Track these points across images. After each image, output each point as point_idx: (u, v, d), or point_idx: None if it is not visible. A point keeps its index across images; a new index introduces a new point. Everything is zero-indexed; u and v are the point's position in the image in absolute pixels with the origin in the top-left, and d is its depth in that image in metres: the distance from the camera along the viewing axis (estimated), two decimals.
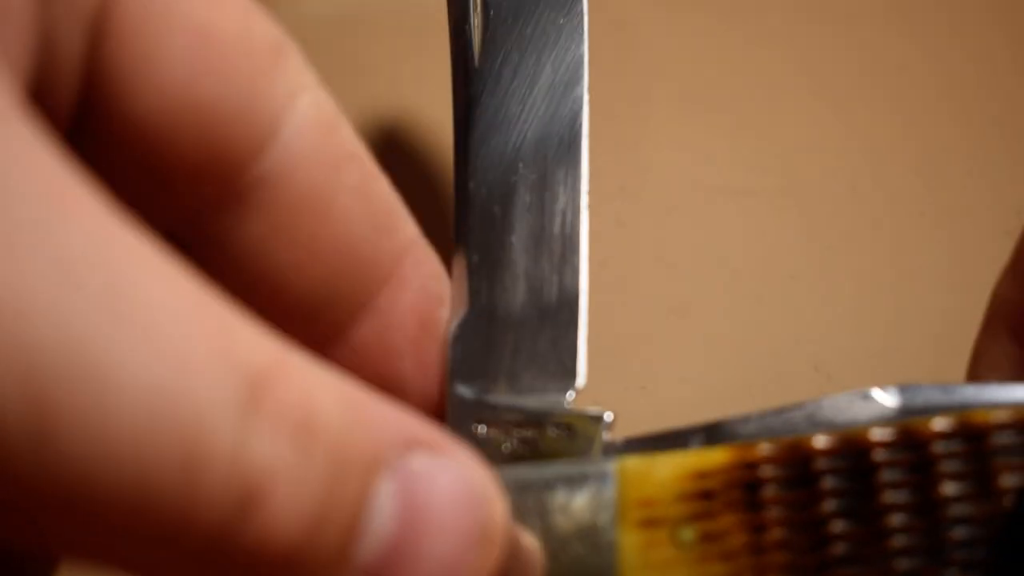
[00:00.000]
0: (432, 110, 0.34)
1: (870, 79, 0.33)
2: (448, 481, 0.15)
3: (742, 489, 0.19)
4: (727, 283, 0.30)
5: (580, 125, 0.22)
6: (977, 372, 0.23)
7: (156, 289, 0.13)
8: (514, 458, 0.21)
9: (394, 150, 0.33)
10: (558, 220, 0.22)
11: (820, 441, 0.19)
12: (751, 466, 0.19)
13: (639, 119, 0.32)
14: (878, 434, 0.19)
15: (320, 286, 0.19)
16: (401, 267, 0.20)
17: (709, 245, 0.28)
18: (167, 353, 0.13)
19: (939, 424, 0.18)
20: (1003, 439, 0.18)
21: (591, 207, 0.24)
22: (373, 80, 0.34)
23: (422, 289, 0.21)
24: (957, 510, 0.18)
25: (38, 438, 0.12)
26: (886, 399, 0.20)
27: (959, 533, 0.18)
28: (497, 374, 0.21)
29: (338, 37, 0.35)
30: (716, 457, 0.19)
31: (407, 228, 0.21)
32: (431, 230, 0.22)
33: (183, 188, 0.18)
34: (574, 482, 0.19)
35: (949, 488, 0.18)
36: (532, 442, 0.21)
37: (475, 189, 0.22)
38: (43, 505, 0.13)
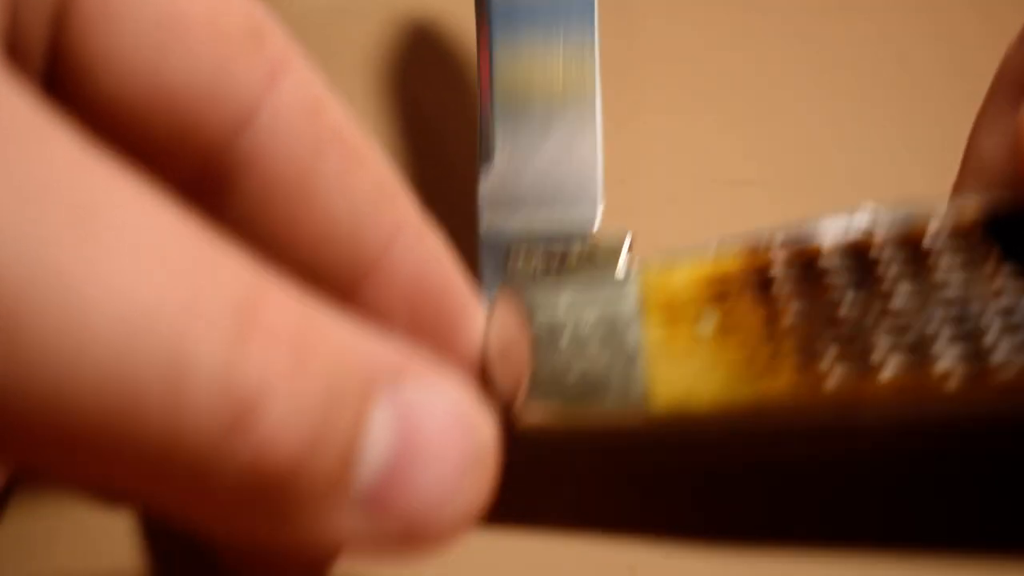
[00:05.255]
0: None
1: (872, 69, 0.33)
2: (442, 409, 0.15)
3: (754, 288, 0.21)
4: None
5: None
6: (980, 137, 0.23)
7: (135, 215, 0.13)
8: (544, 274, 0.23)
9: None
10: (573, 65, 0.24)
11: (827, 241, 0.21)
12: (762, 269, 0.21)
13: (639, 109, 0.32)
14: (880, 234, 0.20)
15: (296, 275, 0.18)
16: (389, 254, 0.20)
17: (709, 236, 0.26)
18: (147, 273, 0.13)
19: (932, 224, 0.20)
20: (991, 239, 0.20)
21: None
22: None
23: (414, 276, 0.20)
24: (948, 294, 0.20)
25: (9, 356, 0.12)
26: (873, 215, 0.22)
27: (948, 313, 0.20)
28: (526, 198, 0.23)
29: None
30: (730, 264, 0.21)
31: (397, 212, 0.20)
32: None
33: (153, 170, 0.17)
34: (603, 290, 0.21)
35: (940, 276, 0.20)
36: (560, 258, 0.23)
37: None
38: (22, 425, 0.12)
